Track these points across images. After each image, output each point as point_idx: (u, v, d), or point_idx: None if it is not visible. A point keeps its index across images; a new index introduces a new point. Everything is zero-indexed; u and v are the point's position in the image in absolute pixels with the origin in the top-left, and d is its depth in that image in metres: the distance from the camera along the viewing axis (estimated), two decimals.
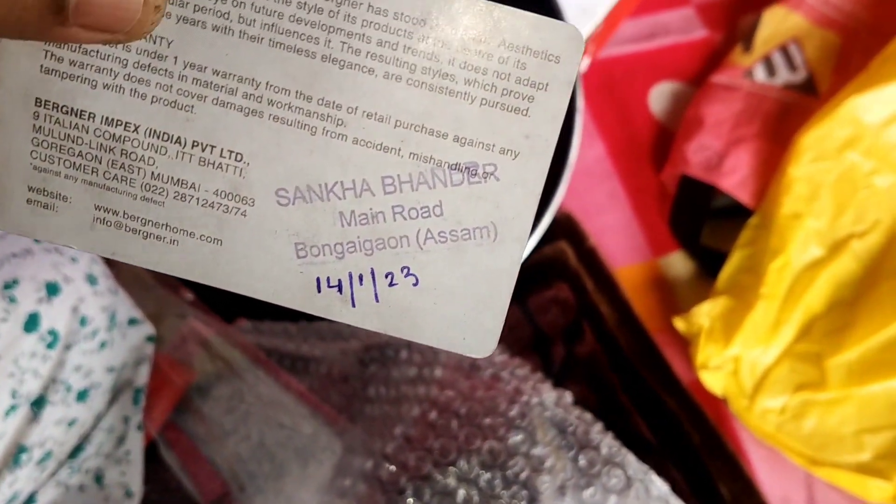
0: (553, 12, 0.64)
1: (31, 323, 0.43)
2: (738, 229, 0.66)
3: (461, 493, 0.43)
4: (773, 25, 0.74)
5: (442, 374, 0.47)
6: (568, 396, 0.47)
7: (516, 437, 0.44)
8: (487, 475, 0.43)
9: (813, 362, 0.62)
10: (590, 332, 0.61)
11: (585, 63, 0.72)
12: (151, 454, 0.52)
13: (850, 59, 0.73)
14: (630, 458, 0.44)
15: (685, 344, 0.64)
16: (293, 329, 0.53)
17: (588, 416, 0.46)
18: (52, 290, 0.45)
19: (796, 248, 0.64)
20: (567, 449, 0.45)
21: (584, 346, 0.60)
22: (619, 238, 0.69)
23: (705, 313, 0.63)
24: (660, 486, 0.45)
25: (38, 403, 0.44)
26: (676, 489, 0.48)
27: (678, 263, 0.69)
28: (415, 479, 0.43)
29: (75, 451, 0.49)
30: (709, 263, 0.68)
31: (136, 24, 0.20)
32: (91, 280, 0.47)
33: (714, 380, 0.62)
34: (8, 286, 0.44)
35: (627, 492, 0.44)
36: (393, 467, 0.44)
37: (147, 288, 0.56)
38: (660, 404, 0.60)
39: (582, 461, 0.44)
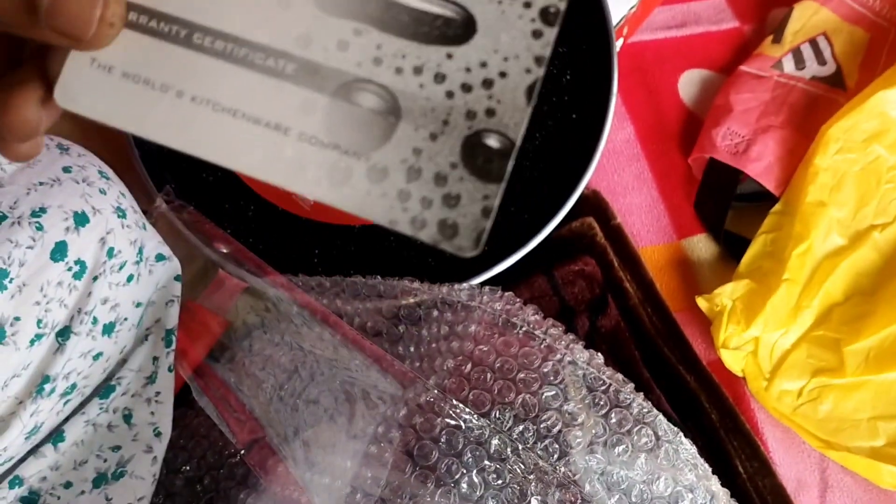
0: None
1: (59, 251, 0.43)
2: (760, 216, 0.67)
3: (494, 442, 0.43)
4: (804, 19, 0.75)
5: (476, 330, 0.48)
6: (599, 357, 0.48)
7: (549, 393, 0.45)
8: (520, 427, 0.44)
9: (831, 348, 0.63)
10: (614, 307, 0.62)
11: (618, 44, 0.73)
12: (181, 401, 0.52)
13: (878, 55, 0.74)
14: (660, 419, 0.45)
15: (706, 324, 0.65)
16: (327, 283, 0.54)
17: (619, 376, 0.47)
18: (81, 220, 0.44)
19: (819, 235, 0.64)
20: (598, 407, 0.45)
21: (607, 320, 0.61)
22: (645, 218, 0.70)
23: (728, 294, 0.64)
24: (688, 447, 0.46)
25: (64, 334, 0.44)
26: None
27: (701, 246, 0.70)
28: (449, 427, 0.44)
29: (106, 391, 0.49)
30: (731, 247, 0.69)
31: (93, 37, 0.23)
32: (120, 213, 0.47)
33: (734, 359, 0.63)
34: (35, 214, 0.43)
35: (657, 451, 0.45)
36: (427, 415, 0.44)
37: (179, 236, 0.56)
38: (679, 381, 0.61)
39: (613, 419, 0.45)
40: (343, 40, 0.24)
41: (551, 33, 0.23)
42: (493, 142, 0.23)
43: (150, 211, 0.56)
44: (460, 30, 0.23)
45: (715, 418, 0.60)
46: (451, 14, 0.23)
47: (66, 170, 0.46)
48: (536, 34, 0.23)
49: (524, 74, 0.23)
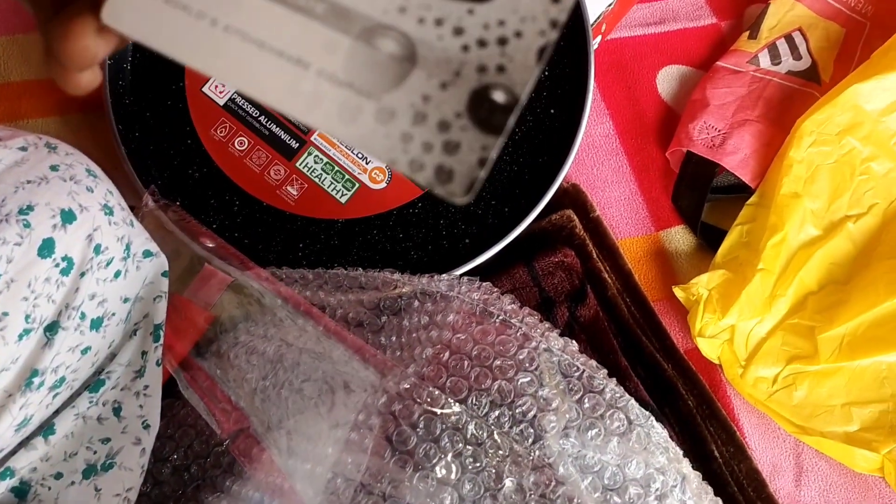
0: None
1: (46, 248, 0.44)
2: (736, 208, 0.69)
3: (471, 428, 0.45)
4: (779, 15, 0.77)
5: (454, 319, 0.49)
6: (573, 345, 0.49)
7: (524, 379, 0.46)
8: (496, 413, 0.45)
9: (805, 335, 0.64)
10: (593, 297, 0.63)
11: (597, 41, 0.74)
12: (167, 392, 0.53)
13: (853, 50, 0.76)
14: (632, 404, 0.47)
15: (683, 314, 0.66)
16: (310, 276, 0.55)
17: (592, 363, 0.48)
18: (68, 217, 0.45)
19: (793, 226, 0.66)
20: (572, 393, 0.47)
21: (587, 310, 0.62)
22: (624, 211, 0.71)
23: (704, 284, 0.65)
24: (660, 431, 0.47)
25: (52, 329, 0.45)
26: None
27: (679, 238, 0.71)
28: (426, 413, 0.45)
29: (95, 385, 0.50)
30: (708, 238, 0.70)
31: None
32: (107, 210, 0.47)
33: (710, 347, 0.64)
34: (23, 211, 0.44)
35: (629, 435, 0.46)
36: (406, 402, 0.46)
37: (166, 232, 0.57)
38: (657, 369, 0.62)
39: (586, 404, 0.46)
40: None
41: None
42: (499, 96, 0.24)
43: (138, 208, 0.57)
44: None
45: (692, 405, 0.61)
46: None
47: (54, 168, 0.47)
48: None
49: (538, 36, 0.24)
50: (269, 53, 0.26)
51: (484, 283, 0.53)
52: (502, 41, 0.24)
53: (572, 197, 0.67)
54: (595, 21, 0.68)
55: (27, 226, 0.43)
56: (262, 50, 0.26)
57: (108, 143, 0.61)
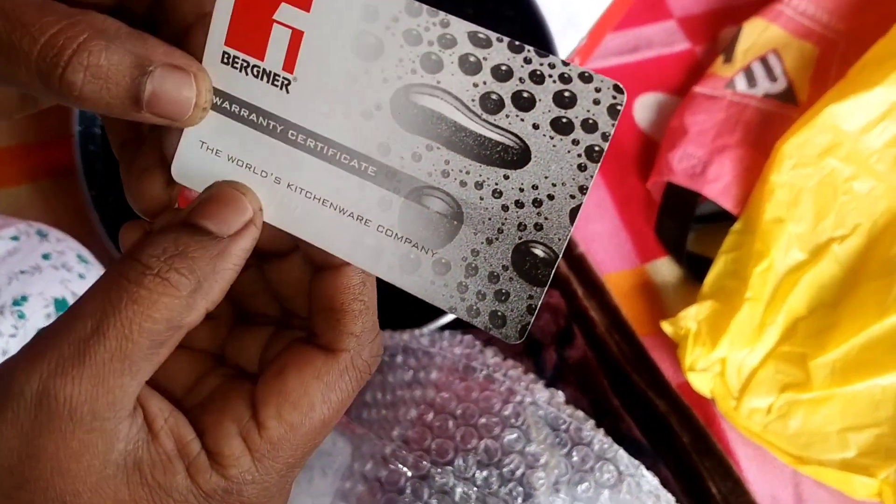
0: (537, 24, 0.66)
1: None
2: (721, 235, 0.68)
3: (459, 490, 0.44)
4: (753, 37, 0.77)
5: (437, 377, 0.49)
6: (560, 395, 0.49)
7: (511, 436, 0.46)
8: (484, 473, 0.45)
9: (797, 363, 0.63)
10: (580, 337, 0.62)
11: None
12: None
13: (829, 68, 0.75)
14: (621, 454, 0.46)
15: (673, 347, 0.66)
16: None
17: (580, 413, 0.48)
18: (61, 306, 0.47)
19: (779, 252, 0.65)
20: (560, 446, 0.46)
21: (575, 351, 0.62)
22: (608, 245, 0.70)
23: (692, 317, 0.64)
24: (650, 480, 0.46)
25: None
26: (667, 488, 0.49)
27: (665, 269, 0.70)
28: (413, 478, 0.45)
29: None
30: (695, 269, 0.69)
31: (188, 118, 0.27)
32: None
33: (702, 381, 0.63)
34: (17, 302, 0.46)
35: (619, 486, 0.45)
36: (392, 468, 0.45)
37: None
38: (650, 406, 0.61)
39: (575, 457, 0.46)
40: (417, 153, 0.27)
41: (594, 168, 0.26)
42: (539, 251, 0.27)
43: None
44: (517, 157, 0.27)
45: (686, 441, 0.60)
46: (510, 143, 0.27)
47: (46, 257, 0.49)
48: (581, 167, 0.26)
49: (569, 199, 0.26)
50: (331, 210, 0.28)
51: (465, 337, 0.52)
52: (537, 202, 0.27)
53: None
54: (567, 57, 0.68)
55: (21, 316, 0.45)
56: (325, 206, 0.28)
57: (81, 209, 0.61)
